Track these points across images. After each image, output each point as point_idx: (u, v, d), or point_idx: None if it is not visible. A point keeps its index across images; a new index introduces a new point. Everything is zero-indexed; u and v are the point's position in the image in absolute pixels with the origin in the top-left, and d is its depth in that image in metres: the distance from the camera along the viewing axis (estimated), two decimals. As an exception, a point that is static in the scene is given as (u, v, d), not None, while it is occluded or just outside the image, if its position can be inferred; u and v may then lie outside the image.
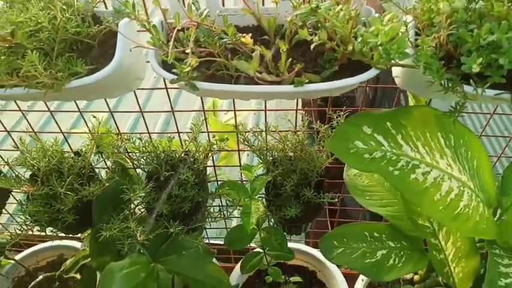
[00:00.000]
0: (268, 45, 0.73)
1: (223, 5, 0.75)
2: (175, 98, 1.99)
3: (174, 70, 0.57)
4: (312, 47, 0.64)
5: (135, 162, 1.02)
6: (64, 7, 0.72)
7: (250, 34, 0.67)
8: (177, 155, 1.01)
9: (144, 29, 0.66)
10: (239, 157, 1.08)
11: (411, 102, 0.91)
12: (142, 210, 1.02)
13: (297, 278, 1.29)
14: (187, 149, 1.02)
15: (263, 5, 0.75)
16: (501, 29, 0.56)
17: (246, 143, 0.98)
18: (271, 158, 1.02)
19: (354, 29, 0.59)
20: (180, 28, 0.64)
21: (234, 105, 0.94)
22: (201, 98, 0.89)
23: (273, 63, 0.65)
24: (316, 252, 1.35)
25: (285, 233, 1.05)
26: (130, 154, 1.04)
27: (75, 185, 0.97)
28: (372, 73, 0.64)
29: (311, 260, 1.41)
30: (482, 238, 0.81)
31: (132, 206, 1.01)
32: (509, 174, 0.89)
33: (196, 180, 0.96)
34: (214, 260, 1.29)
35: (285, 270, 1.39)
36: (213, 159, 1.07)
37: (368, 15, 0.72)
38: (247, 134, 0.99)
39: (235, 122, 0.99)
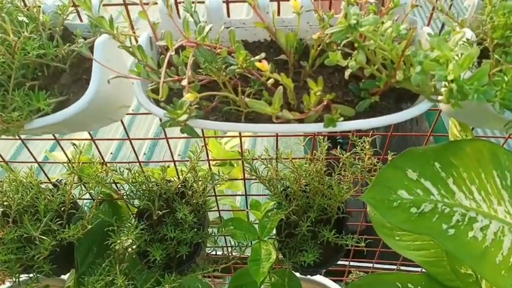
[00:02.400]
0: (285, 67, 0.58)
1: (228, 16, 0.59)
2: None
3: (166, 114, 0.42)
4: (347, 74, 0.49)
5: (124, 196, 0.87)
6: (26, 21, 0.57)
7: (263, 54, 0.53)
8: (172, 187, 0.86)
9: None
10: (245, 187, 0.93)
11: (453, 128, 0.75)
12: (131, 252, 0.87)
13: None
14: (184, 180, 0.87)
15: (278, 15, 0.60)
16: None
17: (253, 173, 0.83)
18: (282, 189, 0.87)
19: (407, 51, 0.44)
20: (173, 51, 0.49)
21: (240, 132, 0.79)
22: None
23: (295, 94, 0.50)
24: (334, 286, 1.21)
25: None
26: (118, 186, 0.89)
27: (53, 227, 0.82)
28: (424, 107, 0.49)
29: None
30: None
31: (120, 247, 0.86)
32: None
33: (196, 218, 0.81)
34: None
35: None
36: (214, 189, 0.92)
37: (411, 27, 0.57)
38: (254, 161, 0.84)
39: (241, 148, 0.85)
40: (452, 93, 0.38)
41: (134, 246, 0.84)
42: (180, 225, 0.82)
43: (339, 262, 1.32)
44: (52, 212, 0.85)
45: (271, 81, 0.47)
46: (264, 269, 0.74)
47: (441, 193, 0.56)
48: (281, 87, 0.44)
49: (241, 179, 0.90)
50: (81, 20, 0.63)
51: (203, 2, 0.57)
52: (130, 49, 0.47)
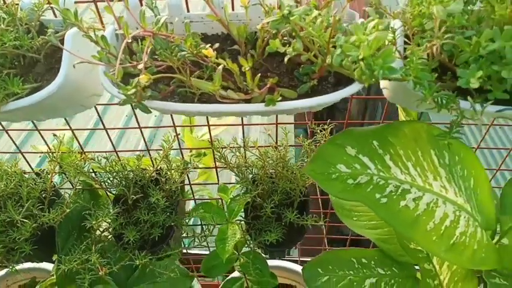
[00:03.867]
0: (238, 56, 0.65)
1: (188, 11, 0.66)
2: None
3: (119, 91, 0.49)
4: (286, 59, 0.56)
5: (101, 183, 0.93)
6: (5, 16, 0.63)
7: (217, 44, 0.59)
8: (147, 174, 0.92)
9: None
10: (217, 175, 0.99)
11: (401, 115, 0.83)
12: (109, 236, 0.92)
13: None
14: (159, 168, 0.93)
15: (233, 10, 0.67)
16: (504, 35, 0.48)
17: (222, 160, 0.90)
18: (250, 176, 0.93)
19: (333, 38, 0.51)
20: (132, 39, 0.55)
21: (207, 120, 0.85)
22: (171, 115, 0.81)
23: (242, 78, 0.57)
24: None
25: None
26: (97, 175, 0.95)
27: (35, 211, 0.88)
28: (354, 88, 0.56)
29: (297, 277, 1.32)
30: (483, 268, 0.74)
31: (98, 232, 0.92)
32: (509, 191, 0.81)
33: (168, 202, 0.87)
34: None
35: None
36: (188, 177, 0.98)
37: (351, 20, 0.64)
38: (223, 150, 0.90)
39: (211, 137, 0.91)
40: (362, 71, 0.45)
41: (111, 230, 0.90)
42: (154, 209, 0.87)
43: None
44: (34, 199, 0.91)
45: (221, 67, 0.53)
46: (229, 247, 0.80)
47: (377, 167, 0.62)
48: (220, 67, 0.50)
49: (213, 168, 0.96)
50: (55, 17, 0.69)
51: (165, -1, 0.64)
52: (94, 38, 0.53)
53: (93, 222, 0.80)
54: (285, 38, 0.61)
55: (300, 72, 0.59)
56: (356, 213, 0.86)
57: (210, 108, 0.53)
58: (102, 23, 0.66)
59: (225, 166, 0.91)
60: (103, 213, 0.81)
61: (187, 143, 1.02)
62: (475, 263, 0.64)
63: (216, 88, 0.49)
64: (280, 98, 0.54)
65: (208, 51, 0.51)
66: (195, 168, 0.92)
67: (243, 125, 0.85)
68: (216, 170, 0.97)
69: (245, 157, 0.91)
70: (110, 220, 0.85)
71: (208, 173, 1.21)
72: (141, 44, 0.56)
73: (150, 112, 0.52)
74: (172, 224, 0.89)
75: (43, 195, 0.92)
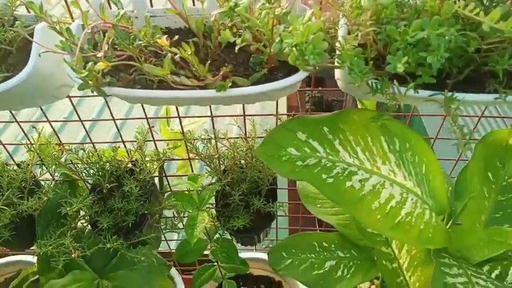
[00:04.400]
0: (198, 48, 0.69)
1: (152, 6, 0.71)
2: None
3: (76, 76, 0.53)
4: (236, 49, 0.60)
5: (79, 173, 0.97)
6: (-20, 11, 0.68)
7: (177, 36, 0.64)
8: (122, 165, 0.96)
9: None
10: (191, 166, 1.03)
11: (359, 106, 0.87)
12: (85, 224, 0.97)
13: (260, 290, 1.24)
14: (134, 159, 0.97)
15: (194, 5, 0.72)
16: (431, 25, 0.53)
17: (194, 151, 0.94)
18: (223, 167, 0.98)
19: (275, 28, 0.55)
20: (97, 32, 0.60)
21: (178, 112, 0.90)
22: (141, 105, 0.85)
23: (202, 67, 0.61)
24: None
25: (239, 244, 1.00)
26: (75, 166, 0.99)
27: (14, 199, 0.92)
28: (300, 76, 0.60)
29: (277, 270, 1.36)
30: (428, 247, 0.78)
31: (76, 220, 0.96)
32: (463, 178, 0.85)
33: (141, 191, 0.91)
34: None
35: (251, 281, 1.35)
36: (162, 169, 1.02)
37: (302, 14, 0.68)
38: (195, 141, 0.95)
39: (182, 129, 0.95)
40: (296, 56, 0.49)
41: (87, 218, 0.94)
42: (128, 198, 0.92)
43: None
44: (15, 189, 0.95)
45: (167, 56, 0.57)
46: (197, 232, 0.84)
47: (326, 151, 0.66)
48: (169, 54, 0.55)
49: (186, 159, 1.01)
50: (29, 13, 0.74)
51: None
52: (59, 29, 0.58)
53: (68, 209, 0.84)
54: (240, 30, 0.66)
55: (252, 62, 0.63)
56: (320, 201, 0.91)
57: (164, 94, 0.57)
58: (72, 17, 0.71)
59: (197, 157, 0.96)
60: (77, 201, 0.85)
61: (163, 135, 1.06)
62: (421, 242, 0.69)
63: (165, 72, 0.54)
64: (230, 85, 0.58)
65: (162, 40, 0.55)
66: (166, 159, 0.97)
67: (212, 116, 0.90)
68: (190, 161, 1.02)
69: (216, 148, 0.96)
70: (86, 208, 0.89)
71: (187, 167, 1.25)
72: (103, 36, 0.61)
73: (107, 96, 0.56)
74: (146, 212, 0.93)
75: (23, 185, 0.96)
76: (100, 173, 0.94)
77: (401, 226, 0.66)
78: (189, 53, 0.53)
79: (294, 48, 0.49)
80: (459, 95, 0.56)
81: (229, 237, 1.01)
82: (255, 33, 0.60)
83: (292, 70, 0.64)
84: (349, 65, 0.54)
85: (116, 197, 0.91)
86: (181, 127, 0.93)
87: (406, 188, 0.71)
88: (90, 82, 0.53)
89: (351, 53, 0.53)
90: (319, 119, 0.69)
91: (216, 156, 0.94)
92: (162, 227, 0.99)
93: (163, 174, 1.07)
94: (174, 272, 1.18)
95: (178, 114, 0.90)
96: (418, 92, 0.57)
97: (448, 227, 0.79)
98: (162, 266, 1.08)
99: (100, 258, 1.01)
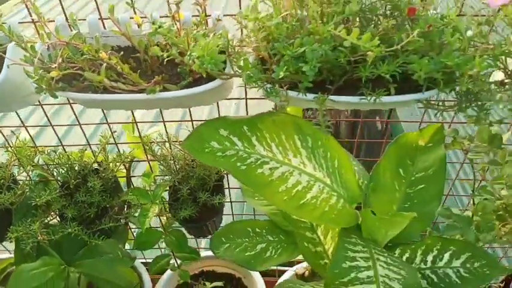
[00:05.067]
0: (140, 62, 0.85)
1: (104, 28, 0.87)
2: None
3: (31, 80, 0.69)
4: (165, 61, 0.76)
5: (51, 172, 1.11)
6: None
7: (122, 52, 0.80)
8: (89, 165, 1.10)
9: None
10: (150, 167, 1.18)
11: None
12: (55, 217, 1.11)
13: (219, 283, 1.37)
14: (99, 160, 1.12)
15: (139, 27, 0.87)
16: (308, 42, 0.68)
17: (150, 152, 1.09)
18: (178, 166, 1.12)
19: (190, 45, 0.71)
20: (58, 47, 0.76)
21: (133, 116, 1.05)
22: (102, 110, 1.00)
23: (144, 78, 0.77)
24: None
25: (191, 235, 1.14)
26: (48, 166, 1.14)
27: (-8, 195, 1.06)
28: (215, 83, 0.75)
29: (237, 267, 1.49)
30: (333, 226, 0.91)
31: (47, 213, 1.10)
32: (376, 173, 1.00)
33: (104, 187, 1.06)
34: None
35: (214, 277, 1.47)
36: (126, 168, 1.16)
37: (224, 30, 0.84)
38: (152, 144, 1.09)
39: (139, 133, 1.10)
40: (199, 65, 0.64)
41: (57, 211, 1.08)
42: (91, 193, 1.06)
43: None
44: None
45: (102, 66, 0.72)
46: (148, 220, 0.98)
47: (244, 145, 0.81)
48: (104, 64, 0.70)
49: (144, 160, 1.15)
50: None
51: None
52: (23, 46, 0.74)
53: (37, 200, 0.98)
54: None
55: (180, 72, 0.79)
56: (256, 194, 1.05)
57: (103, 97, 0.73)
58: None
59: (154, 159, 1.10)
60: (45, 194, 1.00)
61: (128, 139, 1.21)
62: (323, 220, 0.83)
63: (101, 79, 0.69)
64: (158, 89, 0.74)
65: (103, 54, 0.71)
66: (127, 161, 1.11)
67: (164, 121, 1.05)
68: (149, 162, 1.16)
69: (170, 149, 1.10)
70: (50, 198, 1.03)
71: (155, 167, 1.39)
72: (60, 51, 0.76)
73: (57, 97, 0.71)
74: (108, 205, 1.07)
75: (2, 183, 1.11)
76: (69, 172, 1.08)
77: (306, 207, 0.80)
78: (115, 61, 0.68)
79: (196, 60, 0.64)
80: (334, 97, 0.71)
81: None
82: (181, 49, 0.76)
83: (213, 79, 0.80)
84: (246, 74, 0.69)
85: (81, 192, 1.05)
86: (139, 132, 1.08)
87: (315, 178, 0.85)
88: (43, 86, 0.68)
89: (241, 64, 0.68)
90: (240, 119, 0.83)
91: (169, 157, 1.09)
92: (123, 219, 1.12)
93: (129, 175, 1.21)
94: (138, 263, 1.31)
95: (134, 119, 1.05)
96: (306, 95, 0.73)
97: (357, 212, 0.92)
98: (127, 258, 1.21)
99: (69, 248, 1.14)
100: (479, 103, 0.66)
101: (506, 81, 0.73)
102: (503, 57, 0.69)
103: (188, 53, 0.68)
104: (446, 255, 0.96)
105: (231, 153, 0.79)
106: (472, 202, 1.06)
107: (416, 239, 1.00)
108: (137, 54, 0.85)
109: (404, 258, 0.98)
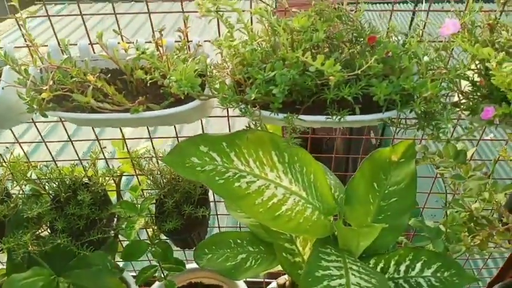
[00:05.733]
0: (126, 84, 0.91)
1: (94, 52, 0.93)
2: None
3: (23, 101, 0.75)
4: (148, 83, 0.82)
5: (43, 186, 1.16)
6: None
7: (109, 75, 0.86)
8: (78, 179, 1.16)
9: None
10: (138, 180, 1.23)
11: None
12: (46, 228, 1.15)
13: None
14: (89, 175, 1.17)
15: (126, 52, 0.94)
16: (277, 67, 0.75)
17: (138, 167, 1.14)
18: (165, 180, 1.17)
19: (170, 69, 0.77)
20: (50, 71, 0.82)
21: (121, 131, 1.11)
22: (92, 128, 1.06)
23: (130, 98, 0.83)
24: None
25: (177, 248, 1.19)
26: (40, 180, 1.19)
27: (-14, 208, 1.11)
28: (194, 104, 0.81)
29: (224, 279, 1.53)
30: (309, 237, 0.97)
31: (38, 225, 1.15)
32: (351, 187, 1.05)
33: (93, 200, 1.11)
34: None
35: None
36: (116, 183, 1.22)
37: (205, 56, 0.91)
38: (140, 160, 1.15)
39: (127, 149, 1.16)
40: (177, 88, 0.71)
41: (48, 223, 1.13)
42: (81, 205, 1.11)
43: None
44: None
45: (89, 88, 0.78)
46: (135, 231, 1.03)
47: (223, 160, 0.87)
48: (91, 86, 0.76)
49: (133, 175, 1.21)
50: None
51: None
52: (17, 69, 0.80)
53: (29, 212, 1.03)
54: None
55: (163, 93, 0.85)
56: (239, 208, 1.10)
57: (89, 116, 0.79)
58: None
59: (142, 173, 1.16)
60: (37, 206, 1.05)
61: (118, 154, 1.26)
62: (298, 231, 0.88)
63: (88, 100, 0.75)
64: (141, 109, 0.80)
65: (90, 77, 0.77)
66: (115, 176, 1.17)
67: (151, 138, 1.11)
68: (137, 176, 1.22)
69: (158, 164, 1.16)
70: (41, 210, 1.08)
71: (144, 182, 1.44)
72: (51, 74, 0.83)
73: (47, 116, 0.77)
74: (96, 218, 1.13)
75: (-4, 197, 1.16)
76: (60, 186, 1.13)
77: (281, 218, 0.85)
78: (100, 84, 0.75)
79: (174, 83, 0.70)
80: (303, 117, 0.77)
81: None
82: (163, 72, 0.82)
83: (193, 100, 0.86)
84: (222, 96, 0.75)
85: (71, 205, 1.10)
86: (127, 148, 1.14)
87: (291, 191, 0.90)
88: (35, 107, 0.74)
89: (216, 86, 0.74)
90: (219, 136, 0.89)
91: (155, 171, 1.14)
92: (112, 231, 1.17)
93: (119, 189, 1.26)
94: (127, 275, 1.36)
95: (123, 136, 1.11)
96: (277, 114, 0.79)
97: (332, 223, 0.97)
98: (115, 269, 1.26)
99: (59, 259, 1.19)
100: (434, 122, 0.72)
101: (462, 101, 0.80)
102: (457, 80, 0.75)
103: (168, 77, 0.74)
104: (418, 265, 1.01)
105: (209, 168, 0.85)
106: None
107: (391, 249, 1.06)
108: (124, 76, 0.91)
109: (378, 267, 1.03)
